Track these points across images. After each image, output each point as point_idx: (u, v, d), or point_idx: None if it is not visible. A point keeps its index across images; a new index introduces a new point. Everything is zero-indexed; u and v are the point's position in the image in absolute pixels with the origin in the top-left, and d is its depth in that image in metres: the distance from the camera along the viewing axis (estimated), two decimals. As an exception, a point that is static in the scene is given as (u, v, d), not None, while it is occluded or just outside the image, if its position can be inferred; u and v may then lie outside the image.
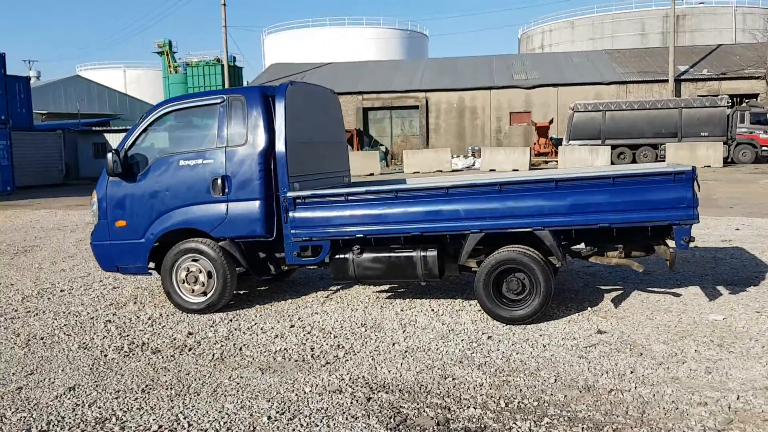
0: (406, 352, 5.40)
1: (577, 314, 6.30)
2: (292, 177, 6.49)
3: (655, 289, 7.18)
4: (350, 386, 4.67)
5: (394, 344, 5.60)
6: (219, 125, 6.62)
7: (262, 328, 6.18)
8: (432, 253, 6.20)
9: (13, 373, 5.15)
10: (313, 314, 6.62)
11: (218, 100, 6.67)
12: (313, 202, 6.39)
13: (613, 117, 30.67)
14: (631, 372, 4.78)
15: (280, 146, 6.43)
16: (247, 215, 6.51)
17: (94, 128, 36.91)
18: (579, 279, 7.81)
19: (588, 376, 4.74)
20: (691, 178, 5.57)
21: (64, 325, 6.51)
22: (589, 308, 6.50)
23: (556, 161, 32.40)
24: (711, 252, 9.13)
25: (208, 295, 6.67)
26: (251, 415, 4.24)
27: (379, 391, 4.56)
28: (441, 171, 31.42)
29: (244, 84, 53.20)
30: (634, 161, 29.37)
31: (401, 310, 6.64)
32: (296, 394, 4.56)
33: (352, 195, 6.32)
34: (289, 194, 6.41)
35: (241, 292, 7.65)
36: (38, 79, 62.21)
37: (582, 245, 6.50)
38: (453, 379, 4.78)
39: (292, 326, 6.22)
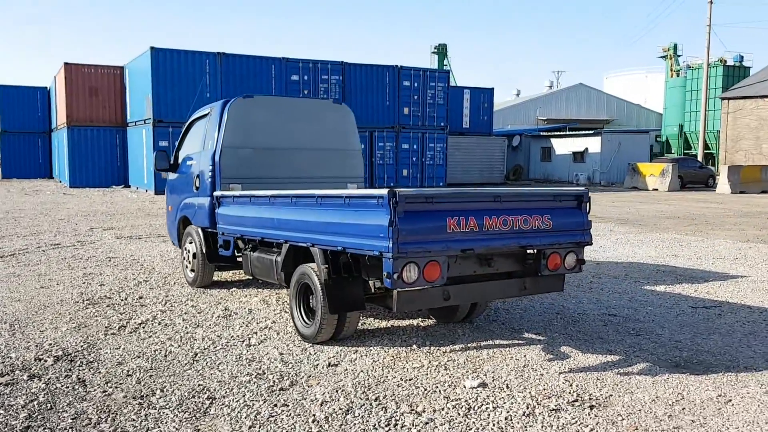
0: (174, 333, 5.99)
1: (372, 348, 5.66)
2: (226, 178, 7.44)
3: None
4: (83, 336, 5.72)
5: (196, 327, 6.20)
6: (203, 132, 7.99)
7: (205, 301, 7.34)
8: (279, 260, 6.40)
9: (25, 293, 7.69)
10: (255, 299, 7.42)
11: (208, 111, 8.04)
12: (223, 202, 7.24)
13: None
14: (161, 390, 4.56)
15: (217, 151, 7.46)
16: (203, 209, 7.73)
17: (542, 134, 39.20)
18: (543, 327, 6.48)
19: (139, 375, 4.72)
20: (386, 203, 4.57)
21: (124, 278, 8.86)
22: (412, 345, 5.70)
23: None
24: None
25: (195, 273, 8.14)
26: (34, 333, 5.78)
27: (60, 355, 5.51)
28: None
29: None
30: None
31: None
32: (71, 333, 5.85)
33: (237, 198, 6.95)
34: (215, 193, 7.41)
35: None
36: (550, 88, 67.84)
37: None
38: (115, 352, 5.35)
39: (217, 305, 7.24)
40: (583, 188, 5.53)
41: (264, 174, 7.64)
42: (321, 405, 4.38)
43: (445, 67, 67.69)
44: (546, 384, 4.75)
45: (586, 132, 37.44)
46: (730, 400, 4.45)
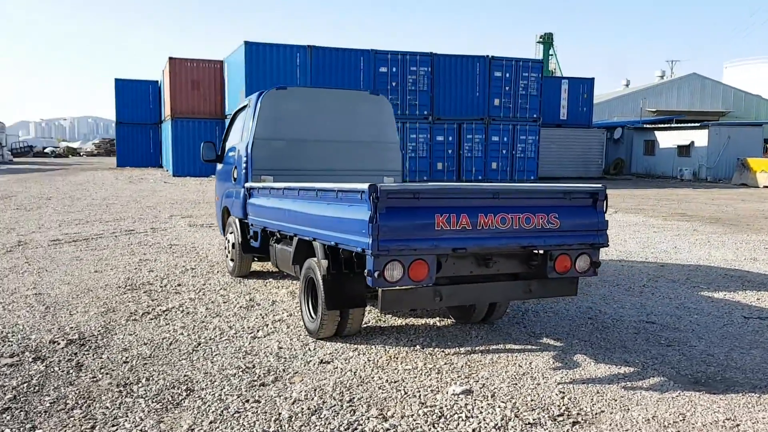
0: (191, 322, 6.07)
1: (374, 346, 5.50)
2: (258, 170, 7.47)
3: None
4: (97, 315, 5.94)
5: (215, 317, 6.27)
6: (242, 123, 8.06)
7: (236, 291, 7.47)
8: (292, 252, 6.35)
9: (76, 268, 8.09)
10: (283, 291, 7.47)
11: (247, 102, 8.10)
12: (252, 194, 7.27)
13: None
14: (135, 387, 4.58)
15: (249, 142, 7.51)
16: (238, 199, 7.81)
17: (645, 126, 37.24)
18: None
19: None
20: (368, 198, 4.39)
21: (175, 265, 9.12)
22: (416, 345, 5.50)
23: None
24: None
25: (234, 263, 8.25)
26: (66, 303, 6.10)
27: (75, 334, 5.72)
28: None
29: None
30: None
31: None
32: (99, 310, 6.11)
33: (260, 189, 6.96)
34: (246, 184, 7.46)
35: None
36: (661, 78, 64.40)
37: None
38: (130, 336, 5.48)
39: (246, 295, 7.34)
40: (599, 185, 5.11)
41: (296, 166, 7.61)
42: (293, 404, 4.28)
43: (550, 57, 65.89)
44: (537, 394, 4.44)
45: (692, 124, 35.20)
46: (738, 425, 3.98)
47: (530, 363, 5.07)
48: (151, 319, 6.32)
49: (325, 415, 4.10)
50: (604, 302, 7.04)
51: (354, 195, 4.63)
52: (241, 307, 6.78)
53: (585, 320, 6.33)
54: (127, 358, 5.18)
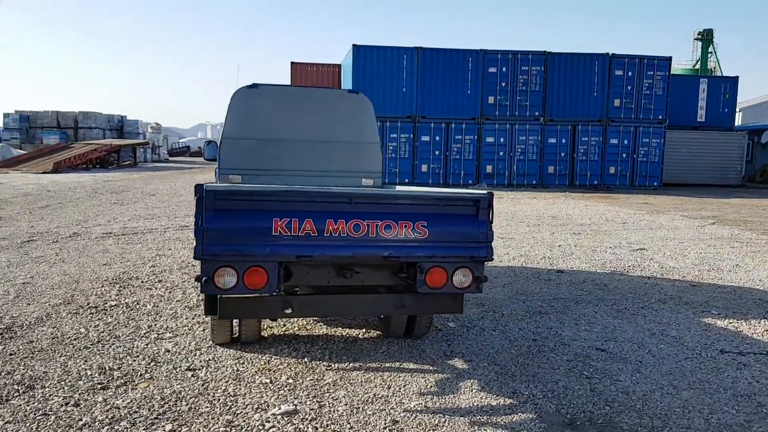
0: (125, 319, 6.11)
1: (263, 356, 5.20)
2: (225, 169, 7.39)
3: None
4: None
5: (151, 315, 6.29)
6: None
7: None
8: None
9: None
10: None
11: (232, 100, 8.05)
12: (214, 192, 7.19)
13: None
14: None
15: (219, 142, 7.45)
16: (214, 198, 7.78)
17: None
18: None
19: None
20: (202, 198, 4.14)
21: (180, 262, 9.31)
22: (305, 358, 5.15)
23: None
24: None
25: (219, 261, 8.25)
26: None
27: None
28: None
29: None
30: None
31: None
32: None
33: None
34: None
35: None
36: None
37: None
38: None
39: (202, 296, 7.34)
40: (485, 192, 4.46)
41: (267, 166, 7.42)
42: (106, 411, 4.10)
43: (709, 56, 61.32)
44: (364, 422, 3.94)
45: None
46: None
47: (403, 386, 4.54)
48: (92, 313, 6.41)
49: (120, 427, 3.88)
50: (573, 323, 6.23)
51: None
52: (186, 306, 6.72)
53: (526, 342, 5.62)
54: (19, 350, 5.25)
